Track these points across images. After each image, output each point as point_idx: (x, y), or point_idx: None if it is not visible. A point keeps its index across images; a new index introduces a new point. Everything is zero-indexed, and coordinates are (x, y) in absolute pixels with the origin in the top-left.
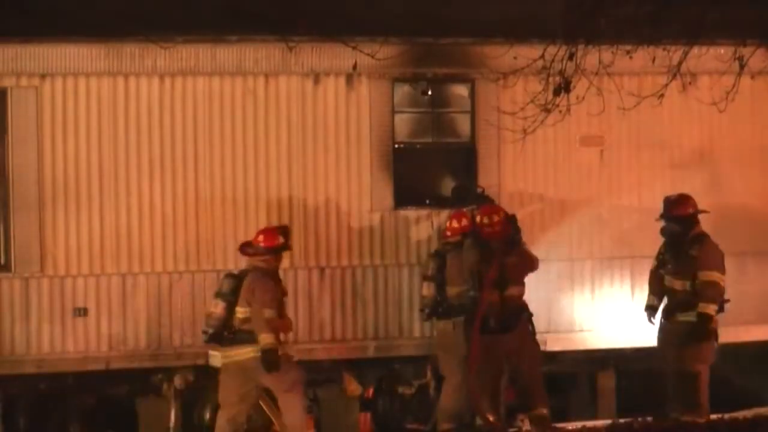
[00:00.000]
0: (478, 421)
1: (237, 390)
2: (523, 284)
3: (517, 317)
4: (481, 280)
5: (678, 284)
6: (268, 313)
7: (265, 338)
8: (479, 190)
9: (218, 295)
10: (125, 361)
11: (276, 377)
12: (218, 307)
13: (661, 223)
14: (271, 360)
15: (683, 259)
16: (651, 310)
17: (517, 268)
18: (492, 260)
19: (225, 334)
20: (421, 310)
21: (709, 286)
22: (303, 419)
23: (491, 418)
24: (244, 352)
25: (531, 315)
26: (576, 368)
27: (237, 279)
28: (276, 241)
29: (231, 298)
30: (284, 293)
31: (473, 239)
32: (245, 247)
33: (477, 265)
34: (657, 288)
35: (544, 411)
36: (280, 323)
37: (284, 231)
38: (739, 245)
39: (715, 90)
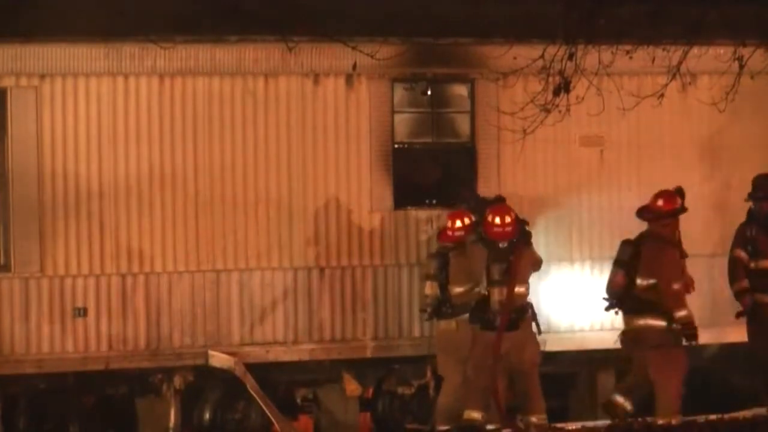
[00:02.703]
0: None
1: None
2: (527, 283)
3: (520, 316)
4: (490, 277)
5: None
6: (677, 286)
7: (681, 313)
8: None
9: (618, 263)
10: (125, 361)
11: (662, 355)
12: (617, 276)
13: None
14: (692, 332)
15: None
16: (750, 293)
17: (523, 267)
18: (500, 259)
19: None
20: (423, 310)
21: None
22: (676, 402)
23: (479, 417)
24: (643, 321)
25: (535, 315)
26: (576, 368)
27: (634, 246)
28: (676, 203)
29: (630, 265)
30: (684, 255)
31: (478, 237)
32: (644, 213)
33: (486, 262)
34: (744, 274)
35: (542, 418)
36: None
37: (681, 192)
38: None
39: (715, 90)
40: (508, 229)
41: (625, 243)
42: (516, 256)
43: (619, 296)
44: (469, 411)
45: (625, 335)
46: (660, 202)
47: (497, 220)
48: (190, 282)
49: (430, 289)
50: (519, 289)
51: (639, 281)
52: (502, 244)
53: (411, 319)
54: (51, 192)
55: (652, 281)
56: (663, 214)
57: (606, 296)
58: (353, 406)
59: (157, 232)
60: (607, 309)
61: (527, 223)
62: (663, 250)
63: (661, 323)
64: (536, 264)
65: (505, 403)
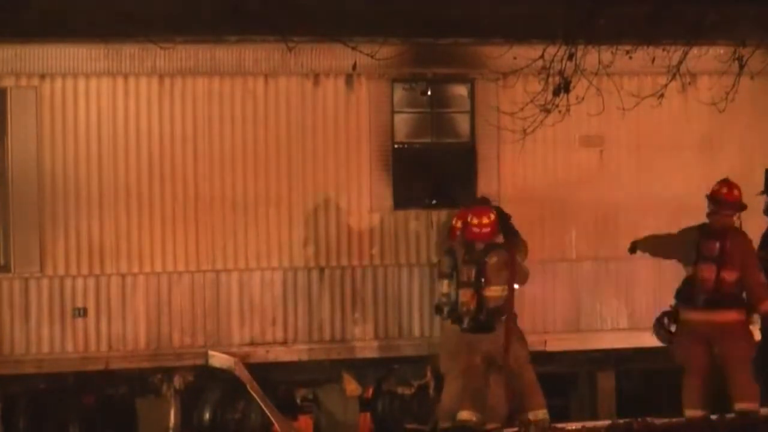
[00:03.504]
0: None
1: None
2: (502, 285)
3: (494, 318)
4: (459, 279)
5: None
6: (763, 277)
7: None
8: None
9: (707, 259)
10: (125, 361)
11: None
12: (710, 272)
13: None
14: None
15: None
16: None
17: (496, 269)
18: (473, 261)
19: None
20: (438, 309)
21: None
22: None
23: (474, 418)
24: (728, 316)
25: (515, 316)
26: (576, 368)
27: (716, 239)
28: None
29: (720, 260)
30: None
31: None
32: (725, 205)
33: (459, 264)
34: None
35: (540, 414)
36: None
37: None
38: None
39: (715, 90)
40: (485, 230)
41: (706, 236)
42: (488, 259)
43: (710, 292)
44: (461, 411)
45: (692, 329)
46: (736, 192)
47: (474, 220)
48: (190, 282)
49: (448, 287)
50: (493, 292)
51: (727, 275)
52: (478, 246)
53: (411, 319)
54: (51, 192)
55: (738, 274)
56: (740, 206)
57: (695, 296)
58: (353, 406)
59: (157, 232)
60: (705, 305)
61: (509, 219)
62: (749, 242)
63: (743, 316)
64: (515, 272)
65: (508, 403)
